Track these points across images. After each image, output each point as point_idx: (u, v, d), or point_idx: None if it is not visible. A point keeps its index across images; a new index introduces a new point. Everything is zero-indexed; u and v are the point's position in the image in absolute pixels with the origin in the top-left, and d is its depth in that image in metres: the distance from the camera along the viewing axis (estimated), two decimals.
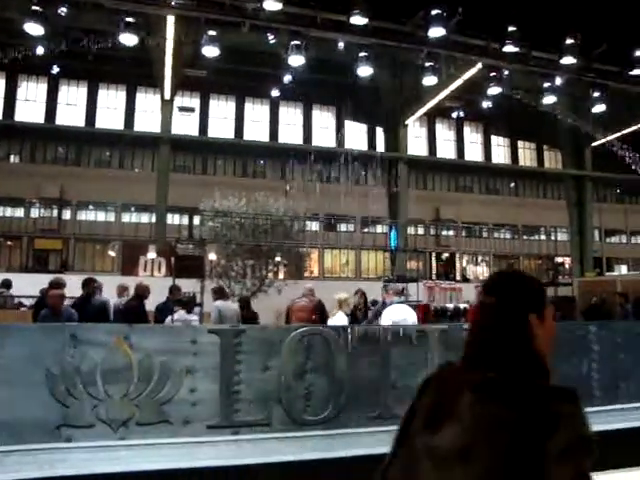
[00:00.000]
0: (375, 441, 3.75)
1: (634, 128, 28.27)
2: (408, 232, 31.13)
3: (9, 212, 29.03)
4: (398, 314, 5.92)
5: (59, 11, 16.22)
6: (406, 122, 30.75)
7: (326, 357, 3.84)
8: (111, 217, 30.28)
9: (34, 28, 15.76)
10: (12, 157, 30.56)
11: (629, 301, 12.63)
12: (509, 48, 17.48)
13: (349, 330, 4.08)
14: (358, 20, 15.50)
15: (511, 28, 16.75)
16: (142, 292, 8.16)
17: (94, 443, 3.28)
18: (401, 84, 26.75)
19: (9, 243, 28.86)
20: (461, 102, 29.78)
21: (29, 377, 3.23)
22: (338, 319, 6.12)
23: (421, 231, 33.84)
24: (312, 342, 3.84)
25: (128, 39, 16.33)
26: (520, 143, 37.76)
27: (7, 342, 3.28)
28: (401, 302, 6.18)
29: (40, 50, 21.44)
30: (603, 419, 4.72)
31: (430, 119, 34.88)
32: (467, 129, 36.83)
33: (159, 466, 3.10)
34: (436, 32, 16.33)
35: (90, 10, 17.81)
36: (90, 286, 7.80)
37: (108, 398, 3.36)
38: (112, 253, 27.45)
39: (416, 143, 34.06)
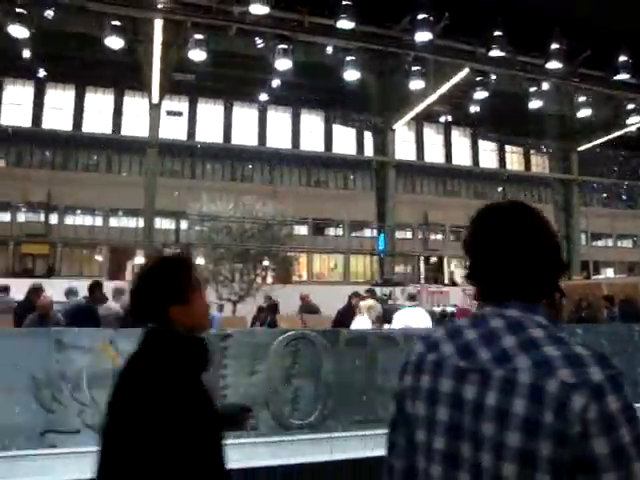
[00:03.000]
0: (362, 445, 3.76)
1: (619, 133, 28.58)
2: (396, 236, 31.21)
3: None
4: (411, 318, 5.88)
5: (45, 14, 16.14)
6: (394, 126, 30.87)
7: (313, 361, 3.84)
8: (98, 221, 30.10)
9: (19, 31, 15.64)
10: None
11: (615, 304, 12.72)
12: (495, 53, 17.60)
13: (337, 333, 4.08)
14: (345, 24, 15.56)
15: (497, 33, 16.87)
16: None
17: (80, 449, 3.25)
18: (389, 88, 26.84)
19: None
20: (449, 106, 29.94)
21: (14, 382, 3.20)
22: (361, 323, 6.07)
23: (409, 235, 33.95)
24: (299, 346, 3.83)
25: (114, 42, 16.30)
26: (508, 147, 38.03)
27: None
28: (414, 306, 6.16)
29: (26, 53, 21.39)
30: None
31: (418, 123, 35.02)
32: (455, 133, 37.03)
33: None
34: (423, 36, 16.42)
35: (76, 13, 17.73)
36: (98, 290, 7.73)
37: (94, 403, 3.33)
38: (99, 258, 27.30)
39: (404, 147, 34.17)
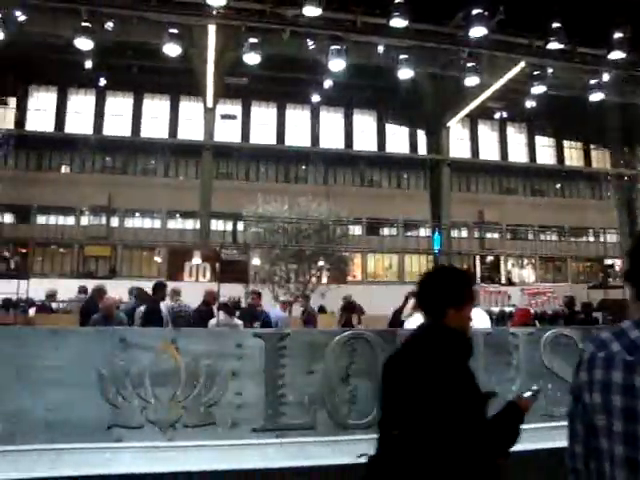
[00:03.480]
0: None
1: None
2: (452, 235, 30.75)
3: (61, 220, 30.00)
4: (475, 318, 5.83)
5: (106, 26, 16.72)
6: (448, 124, 30.45)
7: (370, 361, 3.83)
8: (157, 224, 30.92)
9: (84, 43, 16.27)
10: (63, 167, 31.59)
11: None
12: (553, 45, 17.04)
13: (393, 333, 4.05)
14: (398, 23, 15.41)
15: (555, 24, 16.36)
16: (212, 298, 8.54)
17: (143, 444, 3.36)
18: (442, 86, 26.50)
19: (61, 250, 29.80)
20: (504, 102, 29.28)
21: (82, 379, 3.33)
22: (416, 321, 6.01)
23: (465, 234, 33.37)
24: (356, 346, 3.83)
25: (172, 50, 16.72)
26: (566, 143, 36.87)
27: (62, 345, 3.39)
28: (475, 306, 6.10)
29: (88, 64, 22.24)
30: None
31: (472, 120, 34.40)
32: (510, 130, 36.18)
33: (206, 467, 3.15)
34: (477, 32, 16.10)
35: (135, 24, 18.29)
36: (160, 290, 8.05)
37: (156, 400, 3.43)
38: (158, 259, 28.05)
39: (458, 145, 33.64)
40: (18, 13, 16.17)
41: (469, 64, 18.20)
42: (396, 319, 7.77)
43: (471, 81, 18.91)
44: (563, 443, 3.87)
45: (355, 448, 3.67)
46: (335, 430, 3.74)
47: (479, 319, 5.88)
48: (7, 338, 3.48)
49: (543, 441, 3.85)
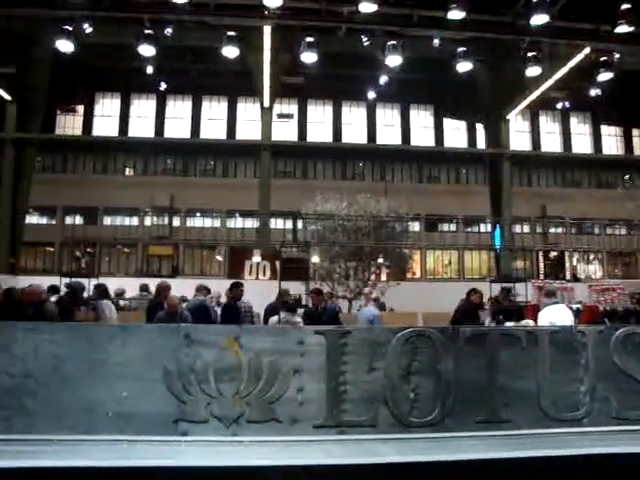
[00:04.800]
0: (483, 446, 3.65)
1: None
2: (513, 230, 29.98)
3: (126, 221, 31.11)
4: (556, 315, 5.76)
5: (165, 32, 17.19)
6: (507, 117, 29.64)
7: (432, 358, 3.79)
8: (217, 223, 31.57)
9: (147, 49, 16.82)
10: (127, 170, 32.71)
11: None
12: (622, 29, 16.29)
13: (456, 331, 3.99)
14: (455, 15, 15.15)
15: (625, 6, 15.62)
16: (284, 294, 8.91)
17: (208, 438, 3.44)
18: (501, 77, 25.81)
19: (126, 250, 30.86)
20: (566, 92, 28.26)
21: (149, 374, 3.44)
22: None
23: (527, 229, 32.48)
24: (418, 343, 3.79)
25: (230, 52, 17.04)
26: (635, 131, 35.27)
27: (129, 341, 3.51)
28: (556, 303, 6.00)
29: (149, 69, 22.96)
30: None
31: (533, 112, 33.39)
32: (574, 120, 34.91)
33: (270, 462, 3.19)
34: (539, 20, 15.61)
35: (194, 28, 18.71)
36: (238, 290, 8.38)
37: (220, 396, 3.51)
38: (219, 258, 28.63)
39: (519, 138, 32.75)
40: (85, 25, 16.83)
41: (530, 54, 17.69)
42: (459, 317, 7.65)
43: (532, 71, 18.39)
44: (635, 448, 3.72)
45: (417, 446, 3.65)
46: (396, 428, 3.72)
47: (563, 315, 5.77)
48: (80, 334, 3.64)
49: (614, 445, 3.71)
